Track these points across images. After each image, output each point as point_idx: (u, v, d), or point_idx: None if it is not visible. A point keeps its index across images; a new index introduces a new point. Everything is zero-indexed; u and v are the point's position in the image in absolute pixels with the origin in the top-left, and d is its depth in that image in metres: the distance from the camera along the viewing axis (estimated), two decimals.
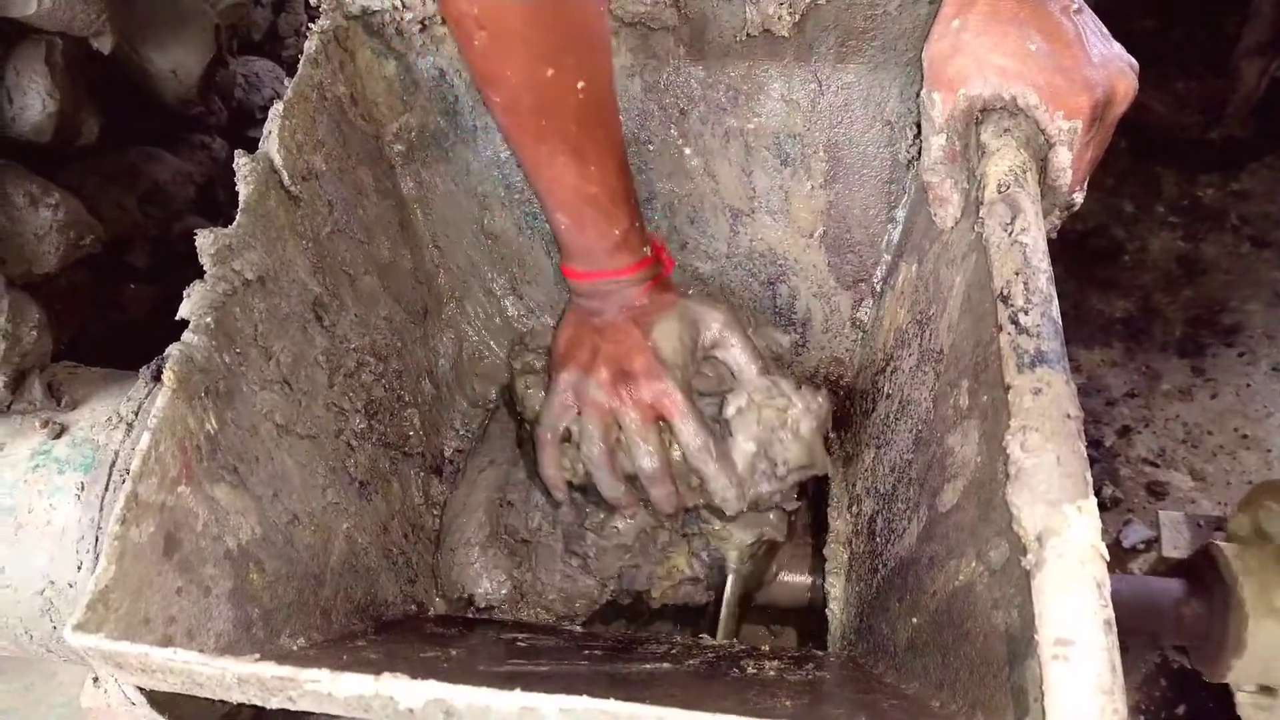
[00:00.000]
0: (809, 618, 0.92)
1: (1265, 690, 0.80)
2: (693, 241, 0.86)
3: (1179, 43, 1.80)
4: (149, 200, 1.15)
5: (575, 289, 0.81)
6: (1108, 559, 0.47)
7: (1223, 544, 0.86)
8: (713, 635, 0.84)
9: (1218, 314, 1.53)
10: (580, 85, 0.66)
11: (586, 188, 0.71)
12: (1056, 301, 0.54)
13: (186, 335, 0.57)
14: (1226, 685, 0.86)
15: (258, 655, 0.46)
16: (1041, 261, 0.55)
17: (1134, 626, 0.90)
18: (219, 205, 1.23)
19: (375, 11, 0.75)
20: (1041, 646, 0.44)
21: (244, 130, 1.36)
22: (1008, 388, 0.51)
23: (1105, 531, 1.29)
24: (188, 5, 1.08)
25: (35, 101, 0.88)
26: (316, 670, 0.43)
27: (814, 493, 0.93)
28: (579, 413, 0.80)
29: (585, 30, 0.67)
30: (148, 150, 1.17)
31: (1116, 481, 1.36)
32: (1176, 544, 1.04)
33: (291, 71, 0.75)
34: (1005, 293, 0.54)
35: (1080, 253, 1.62)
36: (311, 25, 0.75)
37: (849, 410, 0.92)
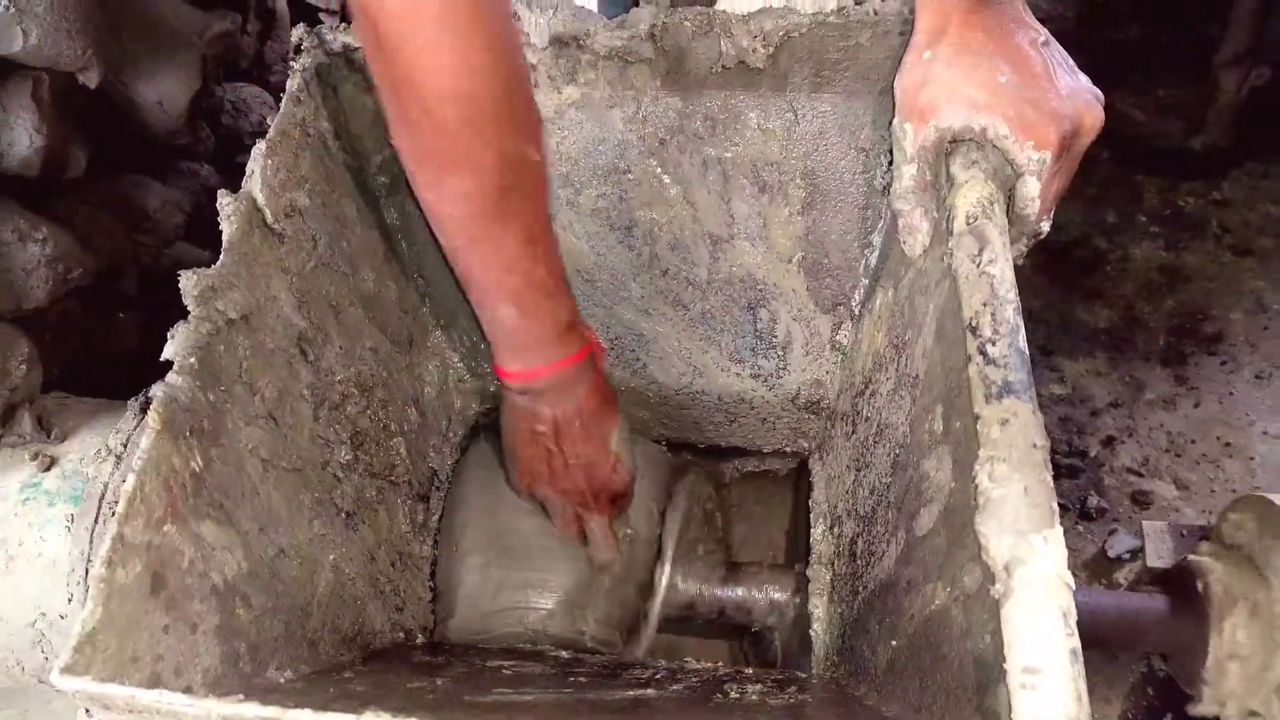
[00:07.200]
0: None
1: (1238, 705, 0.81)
2: (674, 268, 0.87)
3: (1162, 48, 1.81)
4: (139, 228, 1.16)
5: (516, 389, 0.75)
6: (1074, 587, 0.48)
7: (1203, 559, 0.87)
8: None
9: (1200, 322, 1.55)
10: (536, 158, 0.61)
11: (536, 271, 0.66)
12: (1024, 331, 0.55)
13: (170, 376, 0.58)
14: None
15: (241, 695, 0.47)
16: (1009, 292, 0.56)
17: (1118, 641, 0.91)
18: (208, 232, 1.24)
19: (357, 48, 0.76)
20: (1010, 675, 0.45)
21: (233, 156, 1.37)
22: (976, 418, 0.53)
23: (1091, 541, 1.31)
24: (174, 37, 1.09)
25: (23, 136, 0.89)
26: (299, 711, 0.44)
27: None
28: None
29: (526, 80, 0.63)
30: (137, 179, 1.18)
31: (1101, 491, 1.37)
32: (1160, 554, 1.05)
33: (279, 97, 0.75)
34: (974, 324, 0.56)
35: (1063, 263, 1.64)
36: (294, 62, 0.75)
37: (831, 432, 0.93)
